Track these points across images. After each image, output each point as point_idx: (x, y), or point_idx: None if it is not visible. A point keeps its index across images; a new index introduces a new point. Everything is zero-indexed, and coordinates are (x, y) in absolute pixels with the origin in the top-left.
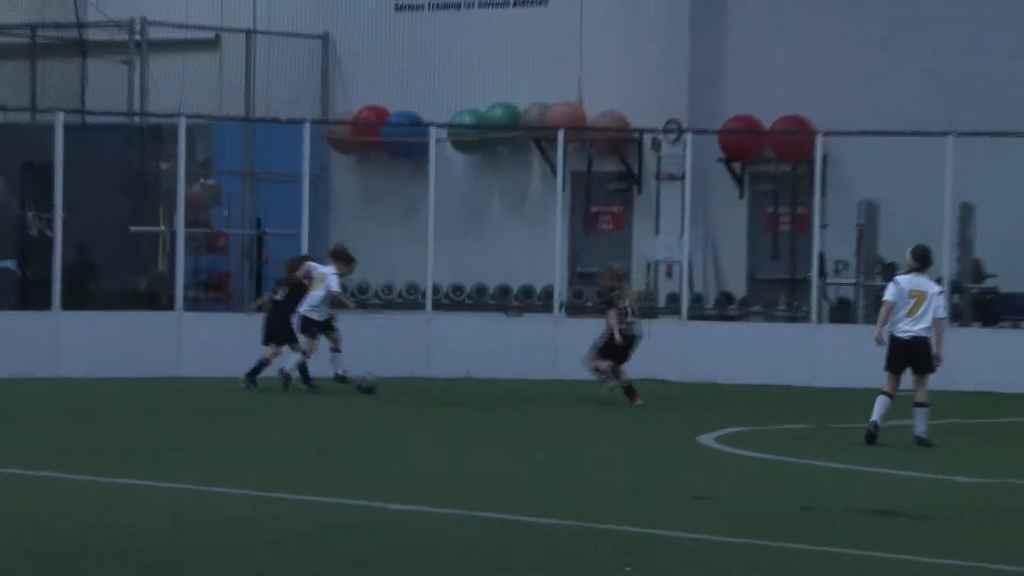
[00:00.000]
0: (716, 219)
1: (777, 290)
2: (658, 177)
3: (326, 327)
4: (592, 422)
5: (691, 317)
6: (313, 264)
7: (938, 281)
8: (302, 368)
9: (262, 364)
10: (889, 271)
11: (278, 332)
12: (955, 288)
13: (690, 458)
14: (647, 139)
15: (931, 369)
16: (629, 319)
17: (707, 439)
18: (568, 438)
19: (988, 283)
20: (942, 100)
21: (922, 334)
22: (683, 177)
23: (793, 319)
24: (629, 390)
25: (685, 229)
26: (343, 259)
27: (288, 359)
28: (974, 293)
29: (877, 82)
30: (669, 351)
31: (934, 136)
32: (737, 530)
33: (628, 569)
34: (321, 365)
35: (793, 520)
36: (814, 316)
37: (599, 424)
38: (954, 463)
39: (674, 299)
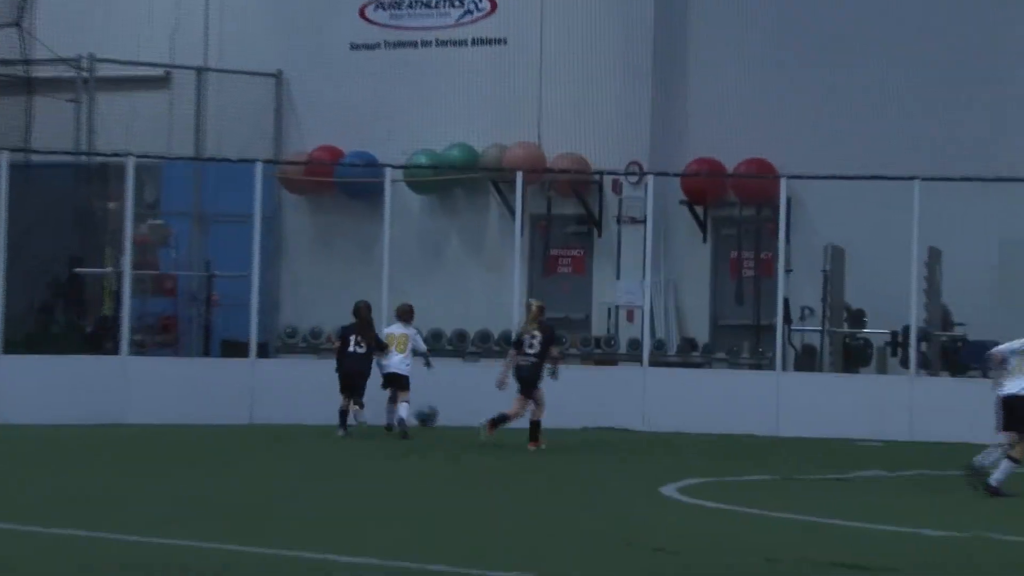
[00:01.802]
0: (678, 263)
1: (741, 336)
2: (619, 220)
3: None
4: (553, 469)
5: (653, 364)
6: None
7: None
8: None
9: (343, 413)
10: (856, 317)
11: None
12: (923, 336)
13: (651, 508)
14: (608, 181)
15: None
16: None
17: (669, 489)
18: (528, 485)
19: (956, 331)
20: (905, 145)
21: None
22: (644, 220)
23: (757, 366)
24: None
25: (646, 273)
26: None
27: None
28: (943, 341)
29: (841, 125)
30: (630, 398)
31: (900, 180)
32: None
33: None
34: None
35: (754, 573)
36: (779, 364)
37: (559, 471)
38: (921, 516)
39: (635, 345)
